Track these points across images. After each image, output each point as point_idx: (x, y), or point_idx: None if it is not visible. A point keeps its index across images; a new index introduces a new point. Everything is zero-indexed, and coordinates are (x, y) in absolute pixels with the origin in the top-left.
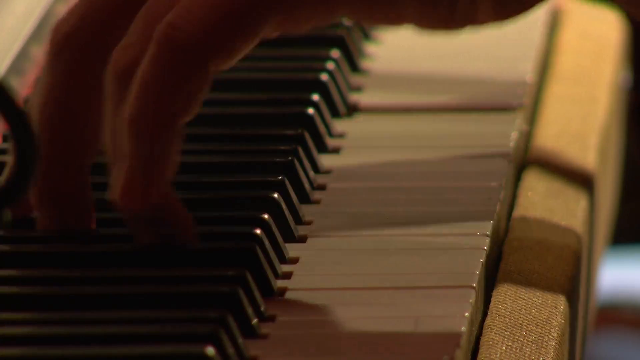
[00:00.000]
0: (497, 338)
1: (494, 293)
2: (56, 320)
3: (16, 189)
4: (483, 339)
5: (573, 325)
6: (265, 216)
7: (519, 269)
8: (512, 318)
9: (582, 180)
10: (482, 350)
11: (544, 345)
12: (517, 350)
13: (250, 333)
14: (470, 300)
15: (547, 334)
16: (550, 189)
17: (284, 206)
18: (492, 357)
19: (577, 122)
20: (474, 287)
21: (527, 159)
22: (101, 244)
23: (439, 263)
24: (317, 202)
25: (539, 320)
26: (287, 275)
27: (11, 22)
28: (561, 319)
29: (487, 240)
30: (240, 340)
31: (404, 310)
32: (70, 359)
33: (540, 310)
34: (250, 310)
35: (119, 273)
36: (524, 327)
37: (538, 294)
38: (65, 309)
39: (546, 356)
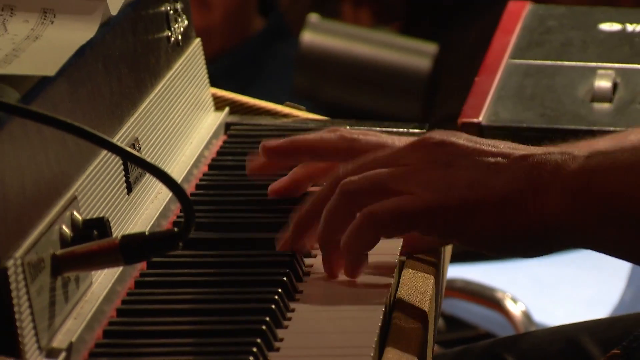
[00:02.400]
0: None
1: (403, 273)
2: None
3: (184, 234)
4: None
5: (438, 291)
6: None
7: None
8: (411, 286)
9: None
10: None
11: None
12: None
13: None
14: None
15: (425, 294)
16: None
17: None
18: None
19: None
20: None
21: None
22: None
23: None
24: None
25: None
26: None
27: (183, 159)
28: (433, 287)
29: None
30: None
31: None
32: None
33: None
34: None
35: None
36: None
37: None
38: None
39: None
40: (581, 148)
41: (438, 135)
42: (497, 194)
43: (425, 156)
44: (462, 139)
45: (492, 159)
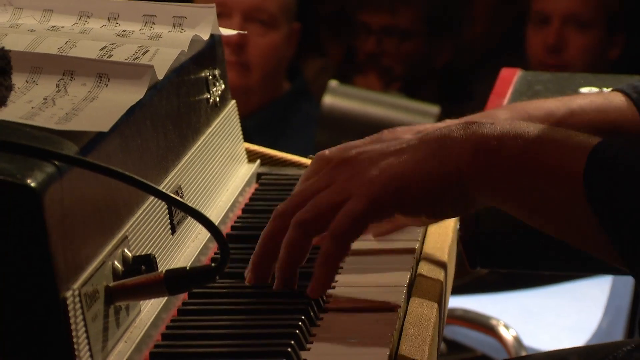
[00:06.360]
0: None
1: (410, 302)
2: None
3: (220, 269)
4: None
5: (440, 318)
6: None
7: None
8: (417, 314)
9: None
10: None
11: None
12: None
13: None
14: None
15: (430, 321)
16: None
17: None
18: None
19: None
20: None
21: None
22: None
23: None
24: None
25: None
26: None
27: (220, 204)
28: (436, 315)
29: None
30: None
31: None
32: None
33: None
34: None
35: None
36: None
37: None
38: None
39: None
40: (485, 118)
41: (345, 150)
42: (420, 167)
43: (349, 167)
44: (369, 143)
45: (405, 145)
